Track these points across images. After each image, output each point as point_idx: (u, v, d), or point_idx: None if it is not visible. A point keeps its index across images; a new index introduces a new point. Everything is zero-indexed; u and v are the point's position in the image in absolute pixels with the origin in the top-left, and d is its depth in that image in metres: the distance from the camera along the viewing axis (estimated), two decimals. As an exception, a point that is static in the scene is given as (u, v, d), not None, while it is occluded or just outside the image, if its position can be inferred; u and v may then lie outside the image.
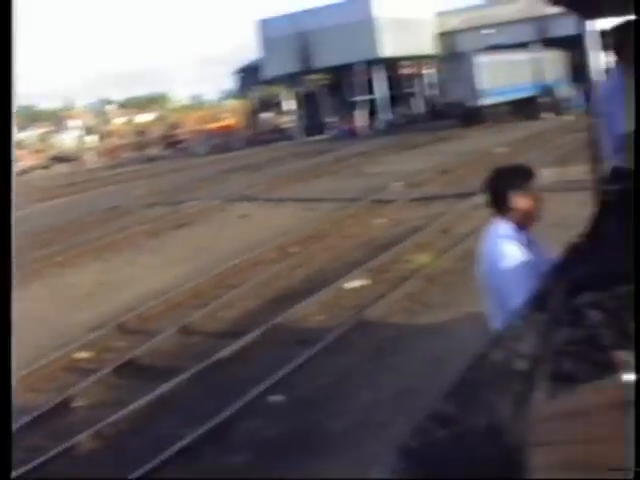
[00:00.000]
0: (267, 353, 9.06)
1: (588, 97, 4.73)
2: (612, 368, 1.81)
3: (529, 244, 3.89)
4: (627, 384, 1.62)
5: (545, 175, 18.15)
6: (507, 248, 3.79)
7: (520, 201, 3.85)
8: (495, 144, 28.42)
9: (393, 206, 18.19)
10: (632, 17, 4.59)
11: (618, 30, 4.71)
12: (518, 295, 3.10)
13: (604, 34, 4.95)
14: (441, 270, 11.63)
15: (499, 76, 41.73)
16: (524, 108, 42.40)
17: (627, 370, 1.71)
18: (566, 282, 2.71)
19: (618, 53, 4.70)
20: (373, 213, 17.73)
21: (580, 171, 16.25)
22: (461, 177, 21.14)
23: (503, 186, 3.92)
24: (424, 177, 22.51)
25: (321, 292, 11.09)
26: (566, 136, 26.74)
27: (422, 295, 10.54)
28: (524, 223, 3.91)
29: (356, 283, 11.57)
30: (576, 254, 3.43)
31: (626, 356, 1.87)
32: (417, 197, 18.99)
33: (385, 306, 10.16)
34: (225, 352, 8.99)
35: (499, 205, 3.93)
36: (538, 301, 2.72)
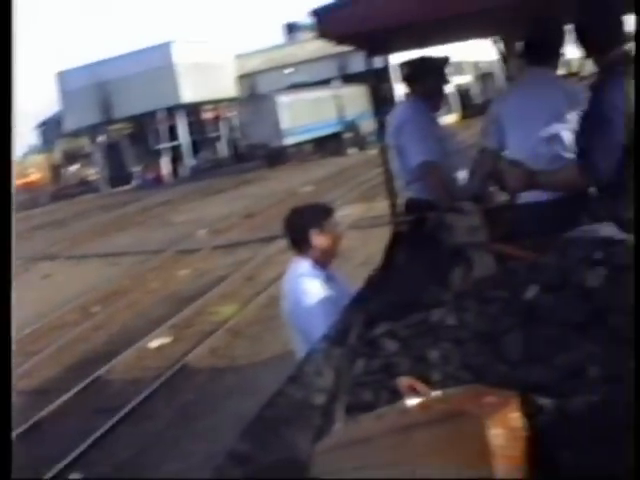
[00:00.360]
0: (65, 426, 8.76)
1: (382, 132, 5.05)
2: (400, 394, 1.99)
3: (330, 281, 4.13)
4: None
5: (349, 212, 18.98)
6: (308, 286, 4.01)
7: (319, 239, 4.12)
8: (301, 183, 29.47)
9: (198, 255, 18.36)
10: (422, 54, 5.02)
11: (407, 65, 5.12)
12: (320, 331, 3.27)
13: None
14: (247, 321, 11.80)
15: (302, 114, 43.24)
16: (329, 145, 44.46)
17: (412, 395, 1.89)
18: (363, 314, 2.90)
19: (410, 86, 5.10)
20: (177, 264, 17.82)
21: (386, 206, 17.24)
22: (266, 220, 21.65)
23: (302, 225, 4.17)
24: (229, 223, 22.94)
25: (123, 354, 10.95)
26: (371, 171, 27.98)
27: (227, 349, 10.62)
28: (324, 260, 4.17)
29: (160, 341, 11.51)
30: (372, 286, 3.67)
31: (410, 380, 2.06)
32: (222, 244, 19.28)
33: (190, 364, 10.16)
34: (18, 430, 8.56)
35: (299, 244, 4.16)
36: (337, 335, 2.90)
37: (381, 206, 18.03)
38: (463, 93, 56.77)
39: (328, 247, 4.18)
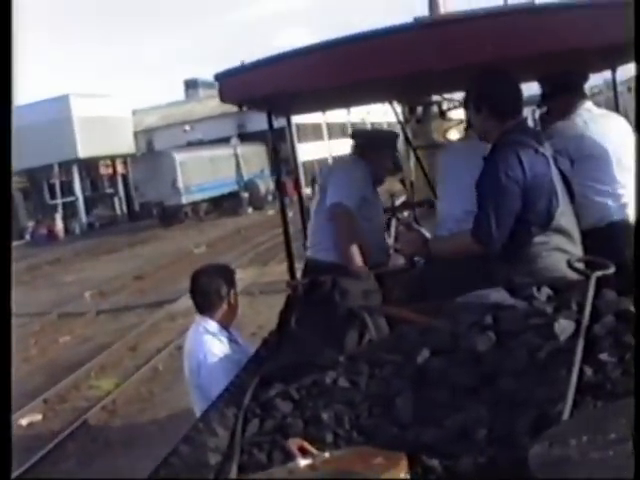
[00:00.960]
0: None
1: (281, 191, 5.15)
2: (291, 455, 2.08)
3: (233, 341, 4.25)
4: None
5: (242, 277, 18.83)
6: (212, 346, 4.13)
7: (226, 299, 4.24)
8: (195, 244, 29.14)
9: (82, 320, 17.64)
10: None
11: (360, 135, 5.25)
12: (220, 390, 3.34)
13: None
14: (125, 398, 11.23)
15: (200, 173, 43.02)
16: (227, 204, 44.46)
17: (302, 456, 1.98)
18: (258, 375, 3.00)
19: (358, 151, 5.23)
20: (60, 329, 17.09)
21: (279, 271, 17.12)
22: (156, 283, 21.42)
23: (209, 284, 4.30)
24: (118, 284, 22.39)
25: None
26: (267, 232, 27.96)
27: (102, 431, 9.98)
28: (228, 321, 4.30)
29: (30, 418, 10.70)
30: (268, 347, 3.77)
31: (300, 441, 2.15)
32: (109, 308, 18.71)
33: (58, 449, 9.40)
34: None
35: (205, 303, 4.27)
36: (232, 395, 2.99)
37: (275, 271, 18.16)
38: None
39: (233, 307, 4.35)
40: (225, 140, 47.33)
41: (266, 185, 45.33)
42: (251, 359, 3.74)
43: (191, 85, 64.77)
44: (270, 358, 3.47)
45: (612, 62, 5.14)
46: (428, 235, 4.10)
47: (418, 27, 3.91)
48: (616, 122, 4.61)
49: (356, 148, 5.15)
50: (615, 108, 5.55)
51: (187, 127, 51.34)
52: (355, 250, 4.52)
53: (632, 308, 2.76)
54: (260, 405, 2.78)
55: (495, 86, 3.90)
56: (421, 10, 8.63)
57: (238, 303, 4.46)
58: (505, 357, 2.73)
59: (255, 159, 47.85)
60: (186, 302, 15.25)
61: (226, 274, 4.48)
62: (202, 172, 43.16)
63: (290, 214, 5.17)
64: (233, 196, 45.23)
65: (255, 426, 2.63)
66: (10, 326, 1.97)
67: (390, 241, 5.80)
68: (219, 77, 3.86)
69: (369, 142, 5.06)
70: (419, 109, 7.63)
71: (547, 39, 3.65)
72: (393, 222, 6.25)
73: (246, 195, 45.05)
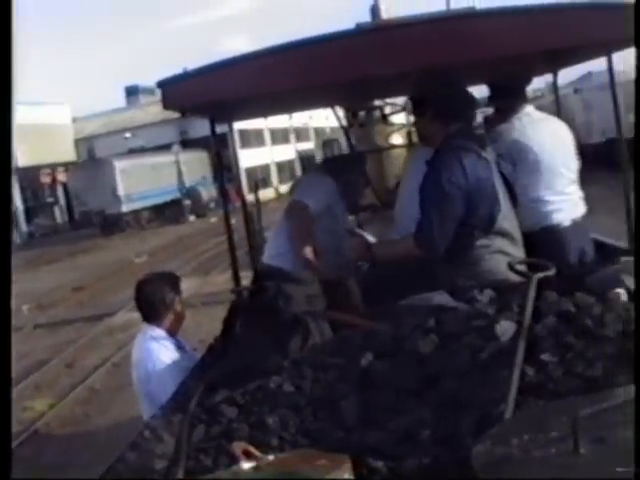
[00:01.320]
0: None
1: (225, 198, 5.15)
2: (236, 459, 2.09)
3: (180, 349, 4.26)
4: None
5: (184, 287, 18.42)
6: (160, 353, 4.12)
7: (173, 307, 4.25)
8: (137, 253, 28.71)
9: (18, 335, 16.67)
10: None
11: (332, 160, 5.26)
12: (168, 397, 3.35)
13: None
14: (60, 420, 10.82)
15: (141, 180, 42.43)
16: (169, 212, 44.03)
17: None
18: (204, 381, 3.00)
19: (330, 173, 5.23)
20: (-7, 345, 16.61)
21: (222, 281, 16.88)
22: (95, 294, 21.12)
23: (155, 292, 4.30)
24: (57, 296, 21.92)
25: None
26: (210, 240, 27.82)
27: (35, 459, 9.27)
28: (175, 328, 4.30)
29: None
30: (213, 353, 3.78)
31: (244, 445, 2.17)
32: (46, 322, 18.28)
33: None
34: None
35: (151, 311, 4.26)
36: (178, 401, 3.01)
37: (217, 280, 17.97)
38: (305, 160, 57.30)
39: (180, 314, 4.37)
40: (167, 147, 46.96)
41: (208, 192, 45.08)
42: (197, 365, 3.76)
43: (132, 92, 64.29)
44: (215, 364, 3.48)
45: (553, 66, 5.26)
46: (372, 240, 4.13)
47: (360, 33, 3.95)
48: (555, 127, 4.71)
49: (325, 165, 5.17)
50: (557, 111, 5.68)
51: (128, 134, 50.86)
52: (309, 252, 4.43)
53: (573, 309, 2.83)
54: (206, 411, 2.78)
55: (439, 90, 3.97)
56: (363, 16, 8.71)
57: (184, 310, 4.48)
58: (448, 359, 2.77)
59: (197, 166, 47.65)
60: (125, 315, 15.37)
61: (171, 281, 4.50)
62: (143, 179, 42.63)
63: (233, 221, 5.15)
64: (175, 204, 44.90)
65: (201, 432, 2.64)
66: (10, 326, 1.95)
67: None
68: (162, 84, 3.86)
69: (339, 172, 5.05)
70: (362, 114, 7.69)
71: (488, 44, 3.72)
72: None
73: (188, 202, 44.77)
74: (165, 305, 4.33)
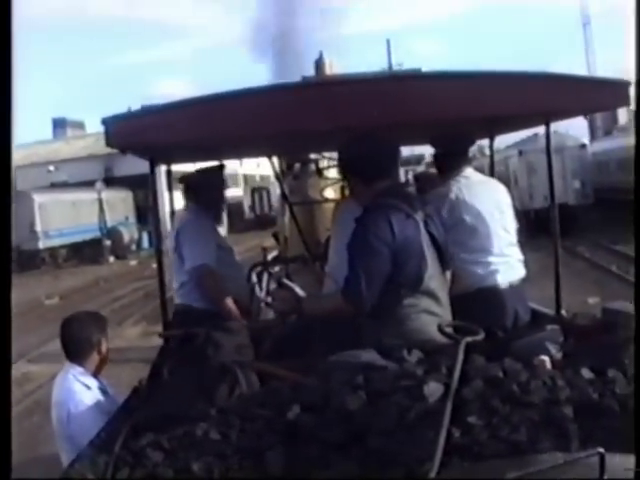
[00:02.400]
0: None
1: (159, 239, 5.14)
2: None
3: (103, 390, 4.22)
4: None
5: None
6: (83, 394, 4.12)
7: (98, 347, 4.23)
8: (48, 294, 27.56)
9: None
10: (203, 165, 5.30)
11: (186, 178, 5.35)
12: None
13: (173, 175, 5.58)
14: None
15: (60, 216, 40.93)
16: (88, 251, 42.63)
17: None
18: (129, 424, 2.99)
19: (189, 197, 5.32)
20: None
21: (135, 335, 16.51)
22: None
23: (81, 330, 4.27)
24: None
25: None
26: (127, 285, 27.37)
27: None
28: (98, 369, 4.27)
29: None
30: (139, 396, 3.76)
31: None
32: None
33: None
34: None
35: (76, 350, 4.23)
36: (102, 443, 2.98)
37: (129, 334, 17.29)
38: (231, 207, 56.83)
39: (104, 357, 4.35)
40: (91, 183, 45.46)
41: (130, 233, 44.14)
42: (122, 407, 3.72)
43: (59, 124, 62.79)
44: (141, 407, 3.47)
45: (491, 131, 5.45)
46: (301, 293, 4.19)
47: (302, 86, 4.05)
48: (493, 189, 4.86)
49: (188, 194, 5.28)
50: (490, 174, 5.86)
51: (51, 167, 49.79)
52: (230, 303, 4.63)
53: (500, 374, 2.92)
54: (131, 453, 2.77)
55: (359, 152, 4.04)
56: (309, 70, 8.88)
57: (108, 352, 4.46)
58: (375, 416, 2.80)
59: (120, 205, 46.59)
60: (24, 367, 14.69)
61: (98, 322, 4.47)
62: (63, 216, 41.10)
63: (154, 265, 5.16)
64: (95, 243, 43.33)
65: (125, 474, 2.63)
66: (10, 326, 1.93)
67: (262, 295, 5.91)
68: (106, 121, 3.89)
69: (198, 185, 5.21)
70: (297, 165, 7.80)
71: (427, 106, 3.84)
72: (265, 276, 6.34)
73: (108, 243, 43.21)
74: (90, 345, 4.30)
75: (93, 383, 4.27)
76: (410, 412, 2.78)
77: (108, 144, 3.95)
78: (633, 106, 3.80)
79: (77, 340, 4.30)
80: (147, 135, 3.92)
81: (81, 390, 4.17)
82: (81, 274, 35.66)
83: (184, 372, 3.68)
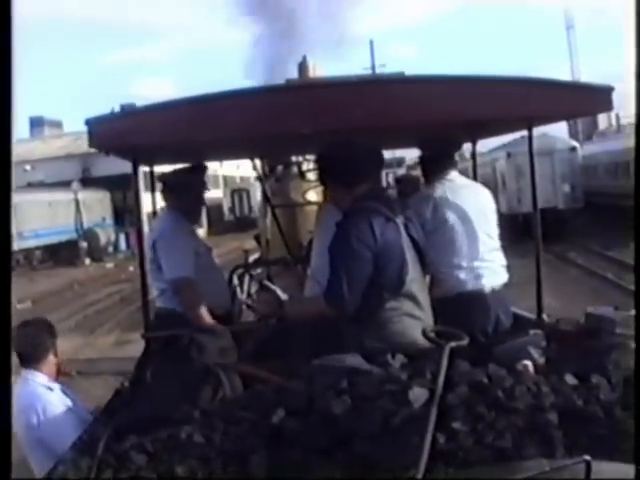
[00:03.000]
0: None
1: (141, 240, 5.11)
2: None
3: (65, 392, 4.23)
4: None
5: (62, 349, 15.18)
6: (49, 397, 4.08)
7: (51, 352, 4.28)
8: (21, 298, 26.03)
9: None
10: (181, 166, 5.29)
11: (163, 177, 5.34)
12: (69, 440, 3.32)
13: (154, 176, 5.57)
14: None
15: (35, 217, 39.52)
16: (64, 253, 41.97)
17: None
18: (111, 426, 3.00)
19: (166, 199, 5.31)
20: None
21: (107, 344, 15.85)
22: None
23: (34, 336, 4.31)
24: None
25: None
26: (103, 289, 26.70)
27: None
28: (53, 373, 4.30)
29: None
30: (120, 400, 3.77)
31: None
32: None
33: None
34: None
35: (31, 355, 4.25)
36: (85, 446, 2.99)
37: (102, 343, 16.45)
38: (211, 208, 56.09)
39: (58, 361, 4.42)
40: (68, 183, 44.39)
41: (107, 235, 43.68)
42: (104, 409, 3.73)
43: (36, 123, 61.49)
44: (124, 409, 3.48)
45: (473, 135, 5.49)
46: (283, 296, 4.20)
47: (286, 89, 4.07)
48: (477, 193, 4.90)
49: (165, 195, 5.27)
50: (473, 177, 5.89)
51: (27, 167, 49.28)
52: (206, 315, 4.65)
53: (485, 380, 2.94)
54: (115, 456, 2.77)
55: (337, 157, 4.08)
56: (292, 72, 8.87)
57: (60, 358, 4.57)
58: (360, 421, 2.82)
59: (97, 206, 45.98)
60: None
61: (47, 327, 4.56)
62: (38, 217, 39.81)
63: (131, 268, 5.16)
64: (71, 245, 42.69)
65: (109, 477, 2.65)
66: (10, 325, 1.94)
67: (243, 297, 5.92)
68: (89, 122, 3.89)
69: (175, 186, 5.20)
70: (279, 168, 7.82)
71: (411, 110, 3.86)
72: (246, 279, 6.35)
73: (85, 245, 42.57)
74: (45, 349, 4.37)
75: (55, 385, 4.32)
76: (395, 417, 2.80)
77: (91, 145, 3.95)
78: (615, 111, 3.88)
79: (31, 345, 4.35)
80: (130, 136, 3.92)
81: (45, 393, 4.21)
82: (56, 277, 34.99)
83: (167, 374, 3.68)
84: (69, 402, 4.25)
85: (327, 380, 3.09)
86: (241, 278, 6.26)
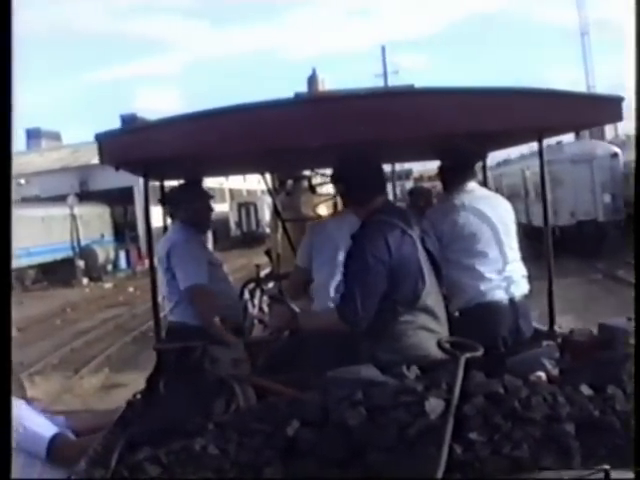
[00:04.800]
0: None
1: (151, 255, 5.20)
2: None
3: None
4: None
5: (35, 394, 11.22)
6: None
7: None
8: None
9: None
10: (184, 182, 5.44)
11: (170, 192, 5.50)
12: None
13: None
14: None
15: (28, 234, 36.58)
16: (59, 272, 40.01)
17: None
18: (125, 439, 3.11)
19: (174, 212, 5.46)
20: None
21: (92, 388, 14.64)
22: None
23: None
24: None
25: None
26: (98, 314, 25.57)
27: None
28: None
29: None
30: (134, 411, 3.89)
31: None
32: None
33: None
34: None
35: None
36: (98, 457, 3.11)
37: (86, 386, 14.16)
38: (217, 223, 54.47)
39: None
40: (65, 198, 42.54)
41: (105, 253, 41.92)
42: (117, 421, 3.83)
43: (33, 135, 61.05)
44: (137, 421, 3.59)
45: (483, 148, 5.61)
46: (296, 309, 4.33)
47: (295, 103, 4.20)
48: (496, 204, 4.99)
49: (171, 211, 5.47)
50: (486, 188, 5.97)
51: (22, 181, 48.68)
52: (219, 323, 4.81)
53: (501, 390, 3.05)
54: (128, 468, 2.88)
55: (351, 170, 4.22)
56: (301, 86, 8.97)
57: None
58: (375, 432, 2.91)
59: (95, 222, 44.40)
60: None
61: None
62: (30, 234, 36.49)
63: (131, 289, 5.24)
64: (67, 264, 40.71)
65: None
66: (10, 325, 2.06)
67: (254, 311, 6.06)
68: (99, 137, 4.01)
69: (180, 201, 5.38)
70: (289, 182, 7.94)
71: (421, 123, 3.97)
72: (257, 293, 6.47)
73: (82, 263, 40.54)
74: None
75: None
76: (411, 428, 2.88)
77: (102, 161, 4.06)
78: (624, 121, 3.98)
79: None
80: (141, 151, 4.03)
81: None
82: (49, 299, 33.07)
83: (180, 386, 3.81)
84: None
85: (342, 391, 3.18)
86: (252, 292, 6.37)
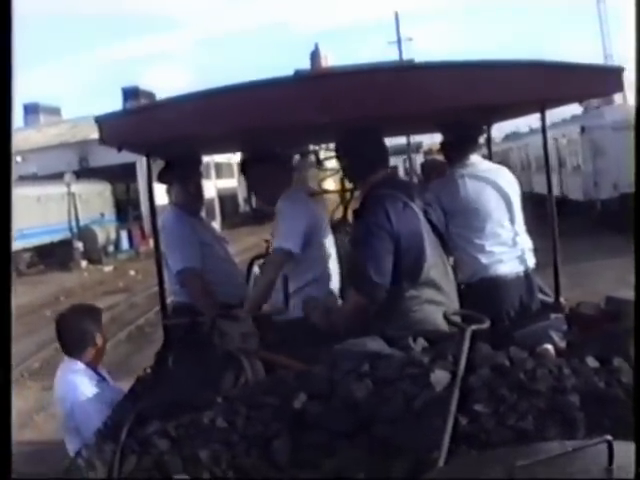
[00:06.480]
0: None
1: (156, 236, 5.30)
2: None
3: (103, 381, 4.55)
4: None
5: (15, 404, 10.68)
6: (86, 387, 4.42)
7: (94, 341, 4.64)
8: None
9: None
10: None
11: (159, 173, 5.61)
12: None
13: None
14: None
15: (22, 214, 32.60)
16: (57, 255, 38.61)
17: None
18: (135, 412, 3.25)
19: (167, 193, 5.59)
20: None
21: None
22: None
23: (76, 326, 4.59)
24: None
25: None
26: (100, 300, 22.46)
27: None
28: (96, 361, 4.59)
29: None
30: (143, 386, 4.04)
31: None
32: None
33: None
34: None
35: (72, 345, 4.57)
36: (108, 431, 3.25)
37: None
38: (225, 199, 55.46)
39: (100, 349, 4.71)
40: (63, 175, 41.31)
41: (106, 233, 40.58)
42: (126, 396, 3.99)
43: (31, 110, 59.62)
44: (146, 395, 3.74)
45: (486, 120, 5.71)
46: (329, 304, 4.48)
47: (298, 80, 4.31)
48: (500, 177, 5.08)
49: (166, 190, 5.60)
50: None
51: (18, 158, 48.05)
52: (213, 305, 4.95)
53: (507, 362, 3.17)
54: (138, 441, 3.01)
55: (352, 144, 4.37)
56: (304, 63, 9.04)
57: (106, 343, 4.85)
58: (381, 404, 3.02)
59: (95, 200, 43.32)
60: None
61: (92, 315, 4.82)
62: (25, 214, 33.30)
63: (132, 272, 5.35)
64: (65, 245, 39.11)
65: (132, 462, 2.90)
66: (10, 324, 2.15)
67: None
68: (100, 119, 4.12)
69: (168, 180, 5.54)
70: (296, 157, 8.05)
71: (424, 97, 4.06)
72: None
73: (80, 245, 38.85)
74: (86, 339, 4.62)
75: (91, 374, 4.57)
76: (417, 400, 2.99)
77: (103, 142, 4.16)
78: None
79: (73, 335, 4.61)
80: (142, 132, 4.13)
81: (81, 382, 4.47)
82: (44, 284, 31.80)
83: (189, 360, 3.95)
84: (105, 390, 4.55)
85: (349, 364, 3.29)
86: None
